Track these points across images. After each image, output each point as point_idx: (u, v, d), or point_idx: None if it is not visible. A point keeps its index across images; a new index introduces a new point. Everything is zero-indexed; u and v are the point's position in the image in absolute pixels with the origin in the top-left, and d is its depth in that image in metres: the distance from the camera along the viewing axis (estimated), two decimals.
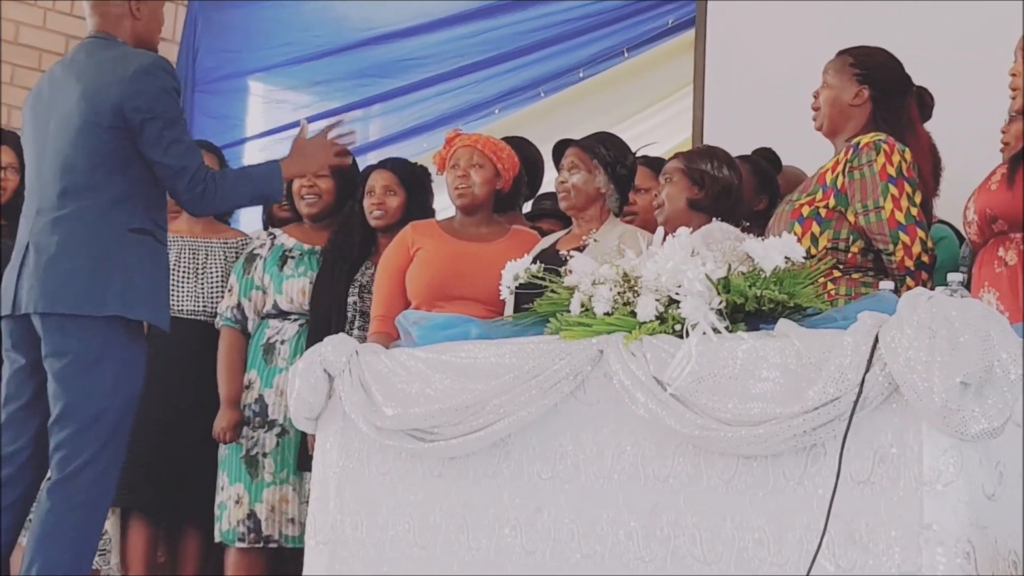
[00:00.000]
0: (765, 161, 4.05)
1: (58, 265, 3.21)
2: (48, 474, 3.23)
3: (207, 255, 4.23)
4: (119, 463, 3.30)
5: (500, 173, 3.70)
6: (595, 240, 3.37)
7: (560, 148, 3.64)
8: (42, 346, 3.23)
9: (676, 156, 3.56)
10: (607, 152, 3.53)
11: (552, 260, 2.93)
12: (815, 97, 3.30)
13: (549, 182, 4.02)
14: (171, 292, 4.08)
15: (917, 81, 3.29)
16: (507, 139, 3.89)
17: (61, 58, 3.63)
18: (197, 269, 4.20)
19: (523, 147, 4.02)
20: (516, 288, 2.90)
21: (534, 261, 2.89)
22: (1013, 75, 3.13)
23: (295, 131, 3.55)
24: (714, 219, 2.93)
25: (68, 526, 3.16)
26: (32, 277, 3.22)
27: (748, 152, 4.00)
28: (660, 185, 3.51)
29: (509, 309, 3.26)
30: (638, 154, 3.68)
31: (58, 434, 3.19)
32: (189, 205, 3.35)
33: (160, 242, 3.34)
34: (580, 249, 3.05)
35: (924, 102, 3.39)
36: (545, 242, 3.60)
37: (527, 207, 4.31)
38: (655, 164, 3.93)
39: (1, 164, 4.33)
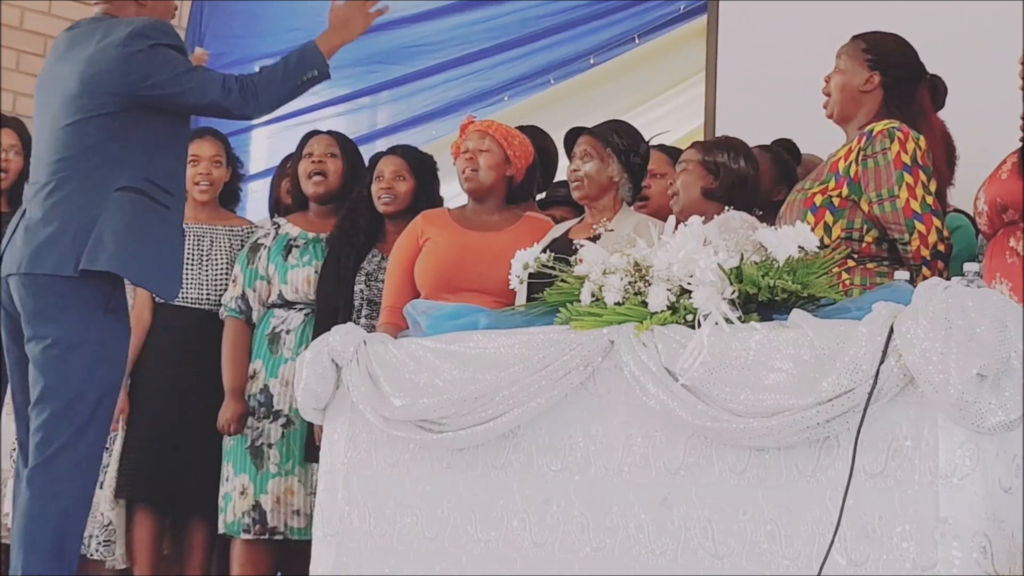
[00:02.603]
0: (784, 152, 4.01)
1: (40, 230, 3.16)
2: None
3: (212, 242, 4.20)
4: (99, 452, 3.21)
5: (510, 160, 3.66)
6: (608, 230, 3.34)
7: (572, 136, 3.60)
8: (24, 333, 3.17)
9: (693, 146, 3.54)
10: (620, 140, 3.50)
11: (564, 249, 2.90)
12: (826, 82, 3.26)
13: (563, 170, 3.98)
14: None
15: (931, 67, 3.25)
16: (520, 128, 3.85)
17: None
18: (202, 256, 4.17)
19: (537, 137, 3.99)
20: (527, 278, 2.87)
21: (546, 250, 2.86)
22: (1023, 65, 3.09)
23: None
24: (729, 208, 2.90)
25: (49, 515, 3.06)
26: (16, 242, 3.18)
27: (762, 139, 3.97)
28: (675, 174, 3.49)
29: (522, 298, 3.22)
30: (651, 143, 3.65)
31: (36, 418, 3.12)
32: (237, 108, 3.22)
33: (161, 204, 3.23)
34: (594, 239, 3.01)
35: (937, 90, 3.34)
36: (557, 230, 3.57)
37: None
38: (669, 149, 3.90)
39: (2, 146, 4.31)
